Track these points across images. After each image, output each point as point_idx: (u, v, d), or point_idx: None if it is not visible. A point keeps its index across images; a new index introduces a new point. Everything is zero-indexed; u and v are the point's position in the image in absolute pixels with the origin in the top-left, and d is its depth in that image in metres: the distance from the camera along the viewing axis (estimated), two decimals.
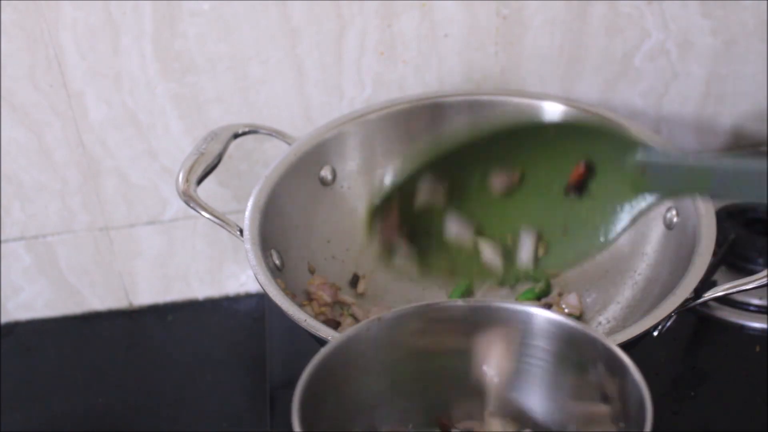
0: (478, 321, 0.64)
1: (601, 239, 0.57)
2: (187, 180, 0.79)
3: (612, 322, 0.81)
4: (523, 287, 0.86)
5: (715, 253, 0.74)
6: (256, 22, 0.87)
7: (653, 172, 0.54)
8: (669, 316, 0.70)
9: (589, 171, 0.56)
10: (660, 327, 0.70)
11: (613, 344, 0.60)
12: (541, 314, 0.63)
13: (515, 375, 0.66)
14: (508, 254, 0.60)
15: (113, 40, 0.86)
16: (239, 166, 0.95)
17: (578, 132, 0.56)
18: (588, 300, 0.84)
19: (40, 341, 1.01)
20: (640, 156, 0.54)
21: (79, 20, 0.85)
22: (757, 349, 0.86)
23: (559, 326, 0.62)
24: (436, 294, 0.86)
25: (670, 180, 0.54)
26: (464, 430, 0.67)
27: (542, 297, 0.85)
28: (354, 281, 0.87)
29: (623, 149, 0.55)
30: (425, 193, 0.59)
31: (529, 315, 0.63)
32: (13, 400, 0.95)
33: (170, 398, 0.94)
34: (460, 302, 0.65)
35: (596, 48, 0.93)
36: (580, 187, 0.56)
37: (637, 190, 0.55)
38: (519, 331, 0.64)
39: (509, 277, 0.60)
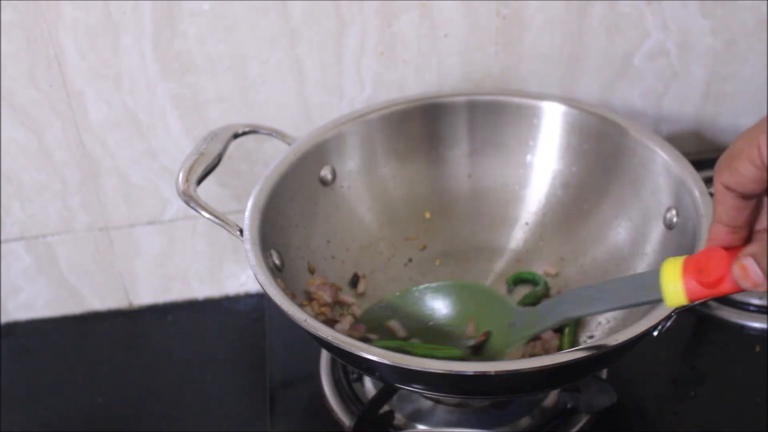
0: None
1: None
2: (187, 180, 0.79)
3: (612, 322, 0.81)
4: (524, 291, 0.86)
5: None
6: (256, 22, 0.87)
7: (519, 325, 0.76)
8: (669, 316, 0.69)
9: (487, 337, 0.77)
10: (660, 327, 0.70)
11: None
12: None
13: None
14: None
15: (113, 40, 0.86)
16: (239, 166, 0.95)
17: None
18: None
19: (40, 341, 1.01)
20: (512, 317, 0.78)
21: (79, 20, 0.85)
22: (757, 349, 0.87)
23: None
24: None
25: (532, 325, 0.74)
26: None
27: (542, 299, 0.85)
28: (354, 281, 0.87)
29: (511, 314, 0.78)
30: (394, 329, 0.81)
31: None
32: (13, 400, 0.95)
33: (170, 398, 0.94)
34: None
35: (596, 48, 0.93)
36: (480, 347, 0.77)
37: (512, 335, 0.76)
38: None
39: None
